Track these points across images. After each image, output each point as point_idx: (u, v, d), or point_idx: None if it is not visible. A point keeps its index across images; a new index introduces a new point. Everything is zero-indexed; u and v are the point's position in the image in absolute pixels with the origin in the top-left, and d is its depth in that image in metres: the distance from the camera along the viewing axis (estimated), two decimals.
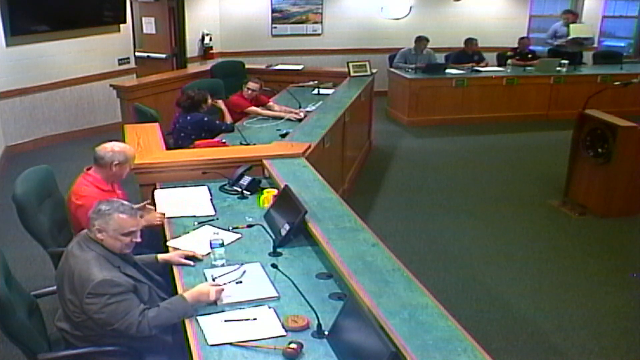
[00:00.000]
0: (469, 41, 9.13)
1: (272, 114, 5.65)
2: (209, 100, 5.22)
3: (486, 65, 9.10)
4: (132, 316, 2.37)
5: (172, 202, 3.52)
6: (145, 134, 4.43)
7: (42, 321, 2.69)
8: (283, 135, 4.86)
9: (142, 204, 3.32)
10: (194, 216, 3.33)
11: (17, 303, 2.46)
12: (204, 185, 3.77)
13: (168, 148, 4.43)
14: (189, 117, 5.02)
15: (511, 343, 3.65)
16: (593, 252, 4.86)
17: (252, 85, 5.85)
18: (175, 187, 3.76)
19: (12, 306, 2.32)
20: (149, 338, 2.45)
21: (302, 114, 5.55)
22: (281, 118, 5.51)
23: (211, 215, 3.35)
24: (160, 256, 2.86)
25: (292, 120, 5.44)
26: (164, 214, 3.31)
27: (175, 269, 2.78)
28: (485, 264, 4.64)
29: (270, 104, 5.95)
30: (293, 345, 2.14)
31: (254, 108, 5.70)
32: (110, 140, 3.41)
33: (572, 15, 9.47)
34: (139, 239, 2.57)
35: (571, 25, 9.29)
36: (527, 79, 8.75)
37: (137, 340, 2.47)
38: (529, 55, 9.26)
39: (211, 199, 3.57)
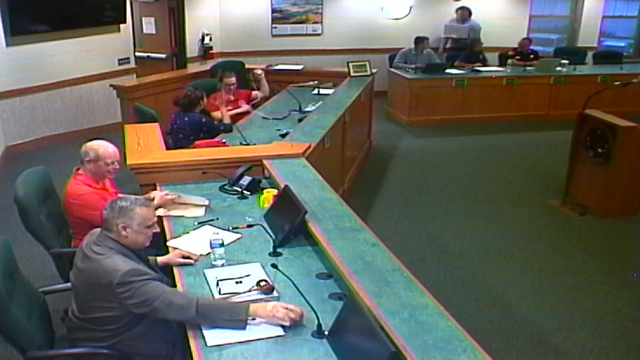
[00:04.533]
0: (477, 42, 9.30)
1: (223, 114, 5.49)
2: (205, 99, 5.22)
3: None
4: (171, 296, 2.34)
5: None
6: (145, 134, 4.43)
7: (48, 318, 2.69)
8: (283, 135, 4.86)
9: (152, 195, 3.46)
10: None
11: (17, 299, 2.46)
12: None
13: (168, 148, 4.43)
14: (186, 118, 5.02)
15: (511, 343, 3.65)
16: (593, 252, 4.86)
17: (228, 80, 5.78)
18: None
19: (4, 302, 2.32)
20: (143, 344, 2.45)
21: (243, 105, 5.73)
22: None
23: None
24: (160, 259, 2.86)
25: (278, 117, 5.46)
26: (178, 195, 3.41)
27: (175, 269, 2.79)
28: (485, 264, 4.64)
29: (254, 93, 6.14)
30: (262, 283, 2.48)
31: (217, 113, 5.53)
32: (112, 141, 3.43)
33: (465, 11, 9.72)
34: (157, 229, 2.59)
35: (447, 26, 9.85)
36: (527, 79, 8.76)
37: (135, 344, 2.46)
38: (531, 56, 9.27)
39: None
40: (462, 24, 9.74)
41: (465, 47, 9.42)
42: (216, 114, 5.49)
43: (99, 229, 2.56)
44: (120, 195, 2.69)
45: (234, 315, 2.29)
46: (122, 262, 2.40)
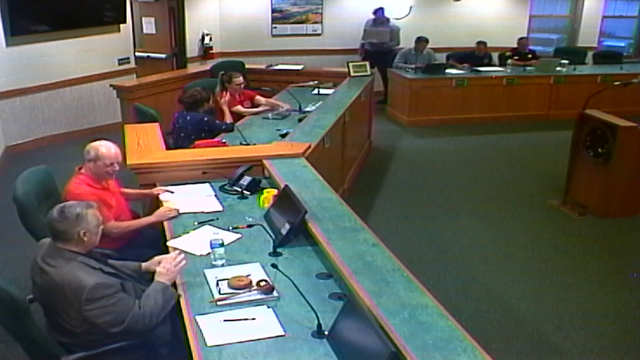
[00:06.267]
0: (480, 43, 9.20)
1: (253, 111, 5.72)
2: (211, 101, 5.23)
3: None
4: (136, 310, 2.41)
5: (178, 199, 3.57)
6: (145, 134, 4.43)
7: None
8: (283, 135, 4.86)
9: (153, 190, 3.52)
10: (203, 212, 3.37)
11: None
12: (205, 182, 3.80)
13: (168, 148, 4.43)
14: (188, 117, 5.02)
15: (511, 343, 3.65)
16: (593, 252, 4.86)
17: (238, 80, 5.84)
18: (177, 184, 3.77)
19: (28, 312, 2.33)
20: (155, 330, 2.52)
21: (286, 107, 5.75)
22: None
23: (219, 211, 3.38)
24: (144, 265, 2.85)
25: (278, 117, 5.49)
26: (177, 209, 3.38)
27: None
28: (485, 264, 4.64)
29: (258, 97, 6.07)
30: (262, 283, 2.50)
31: (239, 108, 5.73)
32: (112, 141, 3.43)
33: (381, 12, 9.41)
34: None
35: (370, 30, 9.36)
36: (527, 79, 8.76)
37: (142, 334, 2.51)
38: (529, 55, 9.27)
39: (216, 195, 3.62)
40: (383, 27, 9.33)
41: (385, 50, 9.13)
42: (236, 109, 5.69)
43: (47, 240, 2.57)
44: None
45: (170, 299, 2.51)
46: (86, 276, 2.39)
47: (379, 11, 9.36)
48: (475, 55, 9.14)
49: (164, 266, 2.59)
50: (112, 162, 3.31)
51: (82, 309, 2.36)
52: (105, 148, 3.31)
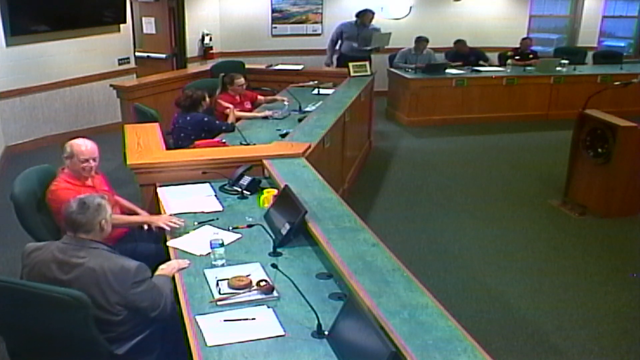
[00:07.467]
0: (458, 42, 9.16)
1: (239, 115, 5.57)
2: (207, 99, 5.22)
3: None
4: (165, 294, 2.52)
5: (177, 199, 3.56)
6: (145, 134, 4.43)
7: None
8: (283, 135, 4.86)
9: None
10: (203, 212, 3.36)
11: None
12: (205, 182, 3.80)
13: (168, 148, 4.43)
14: (188, 117, 5.02)
15: (511, 343, 3.65)
16: (593, 252, 4.86)
17: (239, 81, 5.83)
18: (177, 184, 3.77)
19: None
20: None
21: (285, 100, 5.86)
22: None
23: (219, 211, 3.38)
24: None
25: (278, 117, 5.48)
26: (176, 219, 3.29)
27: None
28: (485, 264, 4.64)
29: (260, 98, 6.07)
30: (262, 283, 2.50)
31: (238, 112, 5.60)
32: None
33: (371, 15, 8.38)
34: None
35: (375, 35, 8.23)
36: (527, 79, 8.76)
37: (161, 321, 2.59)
38: (530, 56, 9.27)
39: (216, 195, 3.62)
40: (369, 31, 8.28)
41: (367, 53, 8.13)
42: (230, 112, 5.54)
43: (32, 244, 2.59)
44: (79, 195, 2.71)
45: (171, 289, 2.61)
46: (123, 260, 2.45)
47: (368, 12, 8.33)
48: (461, 54, 9.09)
49: (167, 264, 2.73)
50: (86, 158, 3.28)
51: (128, 292, 2.40)
52: (79, 145, 3.29)
